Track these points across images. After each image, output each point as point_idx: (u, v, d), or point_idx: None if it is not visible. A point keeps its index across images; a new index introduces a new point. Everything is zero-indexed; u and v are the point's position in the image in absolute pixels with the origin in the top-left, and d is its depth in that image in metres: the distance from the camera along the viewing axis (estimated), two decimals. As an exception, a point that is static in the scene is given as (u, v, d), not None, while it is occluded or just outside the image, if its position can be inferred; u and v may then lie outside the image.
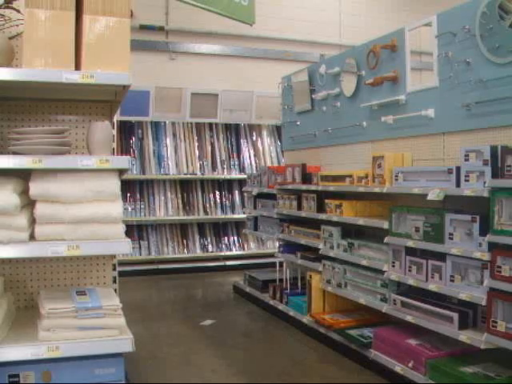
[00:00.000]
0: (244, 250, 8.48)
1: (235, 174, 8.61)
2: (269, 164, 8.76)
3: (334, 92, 5.08)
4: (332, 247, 4.68)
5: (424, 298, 3.69)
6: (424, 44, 4.40)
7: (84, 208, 2.38)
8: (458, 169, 3.39)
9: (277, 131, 8.94)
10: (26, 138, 2.35)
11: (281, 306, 5.44)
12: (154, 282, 7.29)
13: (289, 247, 5.57)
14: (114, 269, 3.03)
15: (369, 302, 4.21)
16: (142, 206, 8.07)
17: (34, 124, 2.86)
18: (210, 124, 8.71)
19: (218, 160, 8.61)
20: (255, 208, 6.49)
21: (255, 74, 8.84)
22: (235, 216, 8.45)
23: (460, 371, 3.26)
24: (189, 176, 8.33)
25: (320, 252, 4.85)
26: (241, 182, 8.47)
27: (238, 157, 8.77)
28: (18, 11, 2.59)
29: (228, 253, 8.33)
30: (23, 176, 2.43)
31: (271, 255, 6.85)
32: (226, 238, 8.47)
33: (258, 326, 5.34)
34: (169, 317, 5.54)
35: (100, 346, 2.32)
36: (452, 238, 3.36)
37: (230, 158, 8.72)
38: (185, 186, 8.45)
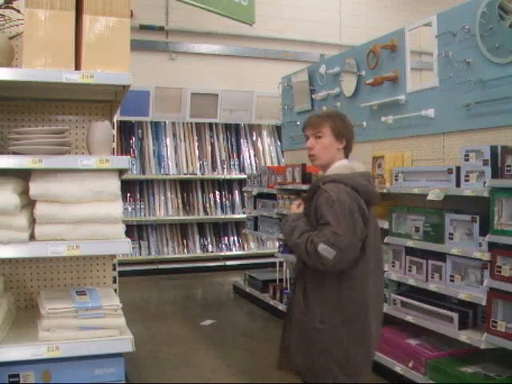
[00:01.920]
0: (244, 250, 8.48)
1: (235, 174, 8.61)
2: (269, 164, 8.76)
3: (333, 92, 5.07)
4: (332, 247, 4.67)
5: (424, 298, 3.69)
6: (424, 44, 4.41)
7: (84, 208, 2.37)
8: (458, 169, 3.39)
9: (277, 131, 8.93)
10: (26, 138, 2.35)
11: (281, 306, 5.43)
12: (153, 282, 7.29)
13: (289, 247, 5.55)
14: (114, 269, 3.03)
15: (369, 302, 4.20)
16: (142, 206, 8.07)
17: (34, 124, 2.86)
18: (210, 124, 8.70)
19: (218, 160, 8.61)
20: (255, 208, 6.49)
21: (255, 74, 8.83)
22: (235, 216, 8.45)
23: (460, 371, 3.26)
24: (189, 176, 8.32)
25: (320, 252, 4.84)
26: (241, 182, 8.46)
27: (238, 157, 8.77)
28: (18, 11, 2.59)
29: (228, 253, 8.33)
30: (23, 176, 2.43)
31: (271, 255, 6.85)
32: (225, 238, 8.47)
33: (258, 326, 5.34)
34: (169, 317, 5.54)
35: (100, 346, 2.31)
36: (452, 238, 3.36)
37: (230, 157, 8.72)
38: (185, 186, 8.44)
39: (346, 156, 2.51)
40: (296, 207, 2.54)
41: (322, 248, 2.21)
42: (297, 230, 2.37)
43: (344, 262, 2.25)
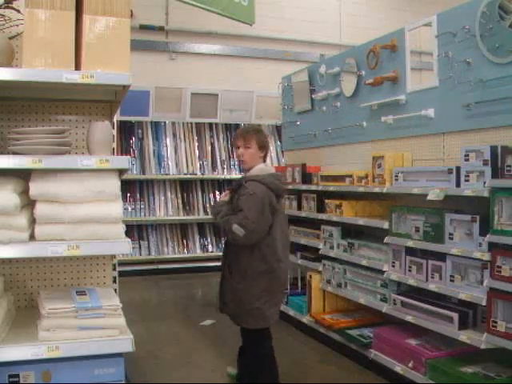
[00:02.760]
0: (244, 249, 8.46)
1: (235, 174, 8.60)
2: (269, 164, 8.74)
3: (334, 92, 5.07)
4: (332, 247, 4.68)
5: (424, 298, 3.70)
6: (424, 44, 4.41)
7: (84, 208, 2.37)
8: (458, 169, 3.39)
9: (277, 131, 8.93)
10: (26, 138, 2.35)
11: (281, 306, 5.43)
12: (153, 282, 7.29)
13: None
14: (114, 269, 3.03)
15: (369, 302, 4.21)
16: (142, 206, 8.07)
17: (34, 124, 2.86)
18: (210, 124, 8.70)
19: (218, 160, 8.61)
20: (255, 208, 6.47)
21: (255, 74, 8.83)
22: (235, 216, 8.43)
23: (460, 371, 3.26)
24: (189, 176, 8.32)
25: (320, 252, 4.84)
26: (241, 182, 8.44)
27: (238, 157, 8.76)
28: (18, 11, 2.60)
29: (228, 253, 8.31)
30: (23, 176, 2.43)
31: (271, 255, 6.83)
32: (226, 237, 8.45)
33: (258, 326, 5.33)
34: (169, 317, 5.54)
35: (100, 345, 2.31)
36: (452, 238, 3.36)
37: (229, 157, 8.71)
38: (185, 186, 8.44)
39: (264, 161, 3.42)
40: (224, 196, 3.41)
41: (235, 227, 3.08)
42: (221, 213, 3.24)
43: (252, 239, 3.12)
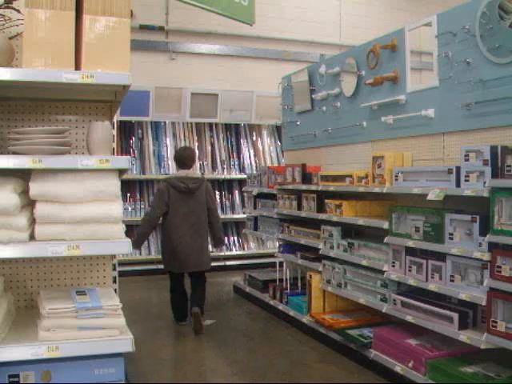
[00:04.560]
0: (244, 250, 8.47)
1: (235, 174, 8.60)
2: (269, 164, 8.76)
3: (333, 92, 5.07)
4: (332, 247, 4.68)
5: (424, 298, 3.70)
6: (424, 44, 4.41)
7: (84, 208, 2.38)
8: (458, 169, 3.39)
9: (277, 131, 8.93)
10: (26, 138, 2.35)
11: (281, 306, 5.44)
12: (153, 282, 7.28)
13: (289, 247, 5.57)
14: (114, 269, 3.03)
15: (369, 302, 4.21)
16: (142, 206, 8.07)
17: (34, 124, 2.86)
18: (210, 124, 8.70)
19: (218, 160, 8.61)
20: (255, 208, 6.49)
21: (255, 74, 8.84)
22: (235, 216, 8.44)
23: (460, 371, 3.26)
24: (189, 176, 8.31)
25: (320, 252, 4.84)
26: (241, 182, 8.46)
27: (238, 157, 8.77)
28: (18, 11, 2.59)
29: (228, 253, 8.32)
30: (23, 176, 2.43)
31: (271, 255, 6.84)
32: (225, 237, 8.46)
33: (258, 325, 5.34)
34: (169, 317, 5.53)
35: (100, 346, 2.31)
36: (452, 238, 3.36)
37: (229, 157, 8.71)
38: (185, 186, 8.42)
39: (181, 167, 5.16)
40: None
41: (147, 210, 5.46)
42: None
43: (153, 215, 5.11)
